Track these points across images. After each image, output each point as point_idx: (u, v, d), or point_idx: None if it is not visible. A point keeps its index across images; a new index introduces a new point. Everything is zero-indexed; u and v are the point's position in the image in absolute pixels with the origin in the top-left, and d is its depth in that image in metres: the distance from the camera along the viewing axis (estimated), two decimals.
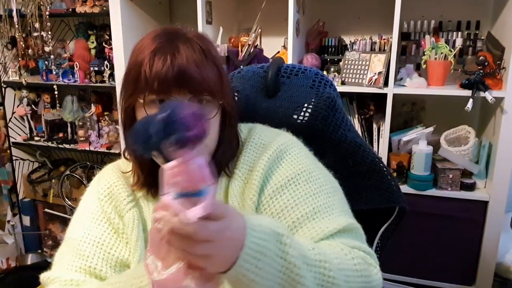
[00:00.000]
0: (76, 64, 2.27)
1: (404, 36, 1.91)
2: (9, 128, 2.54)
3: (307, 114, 0.93)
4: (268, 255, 0.56)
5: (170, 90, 0.69)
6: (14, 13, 2.30)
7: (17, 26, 2.33)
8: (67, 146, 2.42)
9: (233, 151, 0.79)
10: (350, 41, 1.95)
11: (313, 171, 0.79)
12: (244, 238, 0.53)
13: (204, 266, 0.50)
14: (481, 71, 1.63)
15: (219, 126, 0.76)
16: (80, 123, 2.39)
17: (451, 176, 1.71)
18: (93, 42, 2.34)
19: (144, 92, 0.70)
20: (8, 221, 2.63)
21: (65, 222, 2.55)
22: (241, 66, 1.72)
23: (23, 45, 2.40)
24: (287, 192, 0.75)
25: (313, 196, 0.75)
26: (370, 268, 0.70)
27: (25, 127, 2.60)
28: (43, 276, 0.78)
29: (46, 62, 2.38)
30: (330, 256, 0.64)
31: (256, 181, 0.76)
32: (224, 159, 0.78)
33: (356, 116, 1.89)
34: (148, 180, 0.80)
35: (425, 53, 1.74)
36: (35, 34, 2.30)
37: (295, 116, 0.94)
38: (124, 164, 0.86)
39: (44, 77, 2.34)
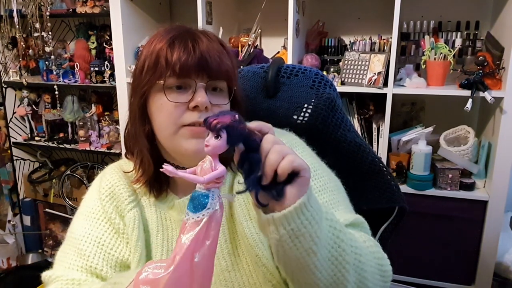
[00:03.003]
0: (76, 64, 2.28)
1: (403, 36, 1.91)
2: (9, 128, 2.54)
3: (307, 115, 0.94)
4: (320, 215, 0.57)
5: (190, 75, 0.72)
6: (15, 14, 2.30)
7: (17, 26, 2.34)
8: (67, 146, 2.42)
9: None
10: (350, 42, 1.95)
11: (317, 169, 0.79)
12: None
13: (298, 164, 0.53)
14: (481, 71, 1.63)
15: None
16: (81, 123, 2.39)
17: (450, 176, 1.71)
18: (93, 43, 2.34)
19: (164, 76, 0.72)
20: (9, 221, 2.63)
21: (65, 222, 2.56)
22: (241, 67, 1.72)
23: (24, 46, 2.41)
24: None
25: (319, 193, 0.76)
26: (382, 253, 0.71)
27: (26, 127, 2.60)
28: (45, 275, 0.78)
29: (46, 62, 2.38)
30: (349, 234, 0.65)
31: None
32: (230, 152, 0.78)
33: (356, 116, 1.89)
34: (151, 179, 0.80)
35: (425, 53, 1.74)
36: (36, 34, 2.31)
37: (295, 117, 0.94)
38: (125, 164, 0.86)
39: (45, 77, 2.35)
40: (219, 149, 0.52)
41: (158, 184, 0.81)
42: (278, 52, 2.07)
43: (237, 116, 0.52)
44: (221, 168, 0.52)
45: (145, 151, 0.78)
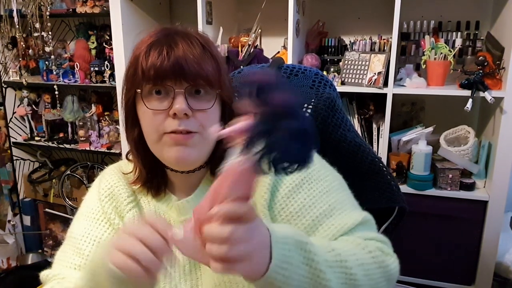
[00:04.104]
0: (76, 64, 2.27)
1: (403, 36, 1.91)
2: (9, 128, 2.54)
3: (306, 114, 0.94)
4: (295, 264, 0.58)
5: (166, 80, 0.70)
6: (15, 13, 2.30)
7: (17, 26, 2.34)
8: (67, 146, 2.42)
9: None
10: (350, 41, 1.95)
11: (321, 170, 0.80)
12: (271, 250, 0.55)
13: (240, 270, 0.52)
14: (481, 71, 1.63)
15: (219, 119, 0.76)
16: (81, 123, 2.39)
17: (450, 176, 1.71)
18: (93, 42, 2.34)
19: (141, 83, 0.71)
20: (9, 221, 2.63)
21: (65, 222, 2.56)
22: (241, 66, 1.72)
23: (24, 45, 2.41)
24: (302, 191, 0.76)
25: (326, 194, 0.76)
26: (387, 258, 0.72)
27: (26, 127, 2.60)
28: (43, 274, 0.79)
29: (46, 62, 2.38)
30: (348, 254, 0.66)
31: (268, 179, 0.76)
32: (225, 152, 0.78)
33: (356, 116, 1.89)
34: (149, 179, 0.80)
35: (425, 53, 1.74)
36: (36, 34, 2.31)
37: None
38: (125, 166, 0.86)
39: (45, 77, 2.35)
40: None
41: (155, 184, 0.82)
42: (278, 52, 2.07)
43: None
44: (241, 122, 0.47)
45: (136, 153, 0.79)
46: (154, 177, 0.81)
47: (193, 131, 0.71)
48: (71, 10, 2.24)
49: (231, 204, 0.50)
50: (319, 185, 0.77)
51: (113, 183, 0.83)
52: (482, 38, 1.82)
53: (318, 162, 0.81)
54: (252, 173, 0.49)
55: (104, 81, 2.24)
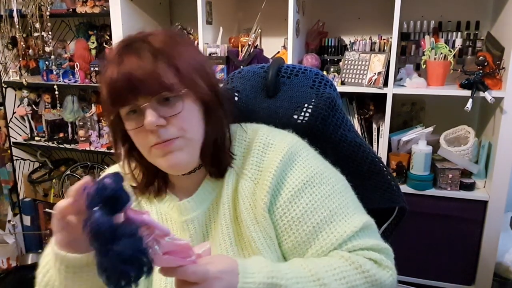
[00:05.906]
0: (76, 64, 2.27)
1: (403, 36, 1.91)
2: (9, 128, 2.54)
3: (307, 114, 0.93)
4: None
5: (128, 100, 0.69)
6: (15, 13, 2.30)
7: (17, 26, 2.33)
8: (67, 146, 2.42)
9: (222, 143, 0.78)
10: (350, 41, 1.95)
11: (324, 172, 0.79)
12: None
13: None
14: (481, 71, 1.63)
15: (202, 116, 0.75)
16: (81, 123, 2.39)
17: (450, 176, 1.71)
18: (93, 42, 2.34)
19: (110, 109, 0.71)
20: (9, 221, 2.63)
21: None
22: (241, 66, 1.72)
23: (24, 45, 2.40)
24: (305, 196, 0.75)
25: (329, 198, 0.76)
26: (382, 273, 0.73)
27: (26, 127, 2.60)
28: None
29: (46, 62, 2.38)
30: (336, 279, 0.68)
31: (268, 182, 0.75)
32: (214, 150, 0.77)
33: (356, 116, 1.89)
34: (149, 181, 0.81)
35: (425, 53, 1.74)
36: (36, 34, 2.31)
37: (295, 116, 0.94)
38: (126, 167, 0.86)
39: (45, 77, 2.35)
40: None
41: (156, 186, 0.82)
42: (278, 52, 2.07)
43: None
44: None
45: (130, 163, 0.80)
46: (154, 179, 0.81)
47: (173, 137, 0.70)
48: (71, 10, 2.24)
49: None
50: (322, 189, 0.76)
51: None
52: (482, 38, 1.82)
53: (321, 164, 0.80)
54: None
55: None
